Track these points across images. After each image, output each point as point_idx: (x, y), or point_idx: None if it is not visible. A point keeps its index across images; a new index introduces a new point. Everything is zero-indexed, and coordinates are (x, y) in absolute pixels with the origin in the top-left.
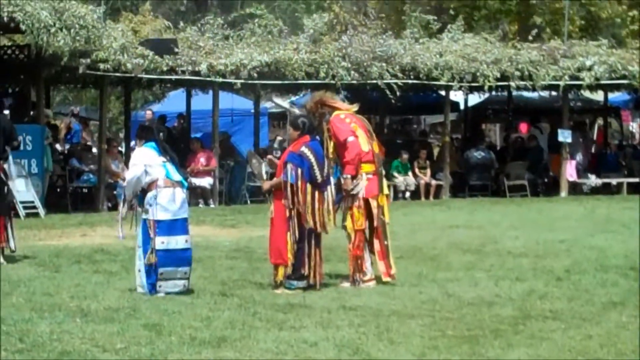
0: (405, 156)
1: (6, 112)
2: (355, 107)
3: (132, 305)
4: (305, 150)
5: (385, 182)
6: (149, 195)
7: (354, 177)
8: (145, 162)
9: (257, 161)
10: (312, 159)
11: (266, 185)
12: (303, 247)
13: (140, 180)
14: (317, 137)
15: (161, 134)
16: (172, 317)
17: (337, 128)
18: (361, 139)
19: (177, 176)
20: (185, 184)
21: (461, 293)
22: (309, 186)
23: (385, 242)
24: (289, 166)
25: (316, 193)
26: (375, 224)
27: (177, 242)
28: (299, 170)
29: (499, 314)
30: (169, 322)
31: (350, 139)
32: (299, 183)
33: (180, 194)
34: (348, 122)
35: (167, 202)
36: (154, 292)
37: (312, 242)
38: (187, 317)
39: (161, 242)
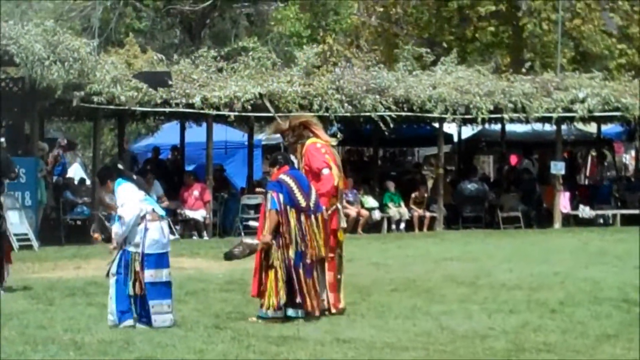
0: (391, 186)
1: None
2: (334, 142)
3: (125, 339)
4: (283, 177)
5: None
6: (138, 228)
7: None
8: (137, 199)
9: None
10: (292, 184)
11: (266, 238)
12: (292, 277)
13: (138, 217)
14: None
15: (119, 164)
16: (166, 350)
17: (313, 156)
18: (333, 171)
19: (159, 209)
20: (164, 214)
21: (455, 326)
22: (292, 211)
23: (339, 276)
24: (269, 194)
25: (302, 217)
26: (331, 256)
27: (162, 275)
28: (280, 196)
29: (493, 346)
30: (163, 355)
31: (325, 171)
32: (281, 208)
33: (166, 228)
34: (323, 153)
35: (157, 236)
36: (123, 320)
37: (301, 271)
38: (180, 350)
39: (150, 275)
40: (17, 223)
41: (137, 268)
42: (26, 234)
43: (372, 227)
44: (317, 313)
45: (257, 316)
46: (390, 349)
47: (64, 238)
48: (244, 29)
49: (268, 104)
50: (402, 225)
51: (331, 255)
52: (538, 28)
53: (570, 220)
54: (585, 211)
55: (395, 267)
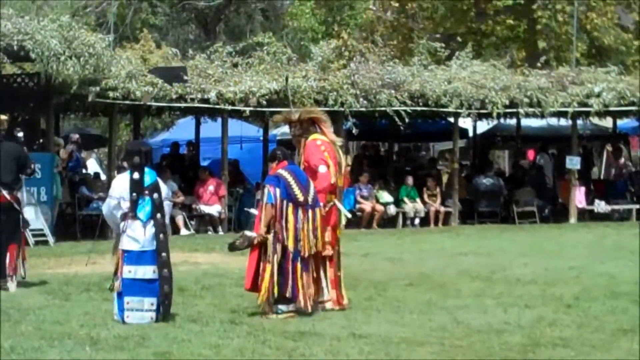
0: (409, 180)
1: (20, 134)
2: (339, 141)
3: (141, 334)
4: (281, 171)
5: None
6: (121, 225)
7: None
8: (120, 194)
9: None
10: (290, 179)
11: (261, 231)
12: (287, 270)
13: (115, 213)
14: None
15: (135, 158)
16: (182, 345)
17: (311, 152)
18: (331, 169)
19: (142, 212)
20: (145, 219)
21: (470, 320)
22: (290, 206)
23: (339, 273)
24: (266, 188)
25: (299, 212)
26: (330, 253)
27: (144, 272)
28: (277, 190)
29: (508, 341)
30: (179, 350)
31: (322, 169)
32: (277, 202)
33: (150, 227)
34: (322, 150)
35: (136, 232)
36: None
37: (299, 265)
38: (196, 345)
39: (128, 271)
40: (33, 218)
41: (120, 265)
42: (42, 230)
43: (388, 222)
44: (309, 310)
45: (274, 312)
46: (406, 343)
47: (79, 233)
48: (259, 24)
49: (289, 92)
50: (417, 221)
51: (331, 252)
52: (553, 20)
53: (586, 215)
54: (600, 206)
55: (410, 262)
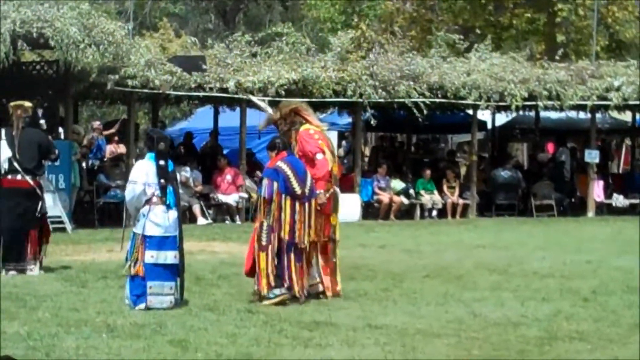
0: (427, 172)
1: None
2: (325, 127)
3: (158, 321)
4: (280, 164)
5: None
6: (142, 210)
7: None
8: (144, 179)
9: None
10: (289, 172)
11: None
12: (282, 260)
13: (140, 199)
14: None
15: (162, 144)
16: (198, 334)
17: (306, 142)
18: (327, 156)
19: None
20: (172, 206)
21: (487, 313)
22: (287, 199)
23: (334, 260)
24: (265, 181)
25: (297, 205)
26: (325, 240)
27: (166, 257)
28: (275, 184)
29: (525, 334)
30: (195, 338)
31: (319, 156)
32: (275, 196)
33: (173, 212)
34: (317, 139)
35: (159, 218)
36: (138, 303)
37: (292, 255)
38: (213, 333)
39: (150, 256)
40: (51, 205)
41: (139, 249)
42: (59, 217)
43: (405, 213)
44: (302, 299)
45: (266, 297)
46: (422, 335)
47: (97, 221)
48: (278, 14)
49: (256, 100)
50: (434, 213)
51: (325, 239)
52: (573, 14)
53: (604, 209)
54: (619, 200)
55: (427, 254)
